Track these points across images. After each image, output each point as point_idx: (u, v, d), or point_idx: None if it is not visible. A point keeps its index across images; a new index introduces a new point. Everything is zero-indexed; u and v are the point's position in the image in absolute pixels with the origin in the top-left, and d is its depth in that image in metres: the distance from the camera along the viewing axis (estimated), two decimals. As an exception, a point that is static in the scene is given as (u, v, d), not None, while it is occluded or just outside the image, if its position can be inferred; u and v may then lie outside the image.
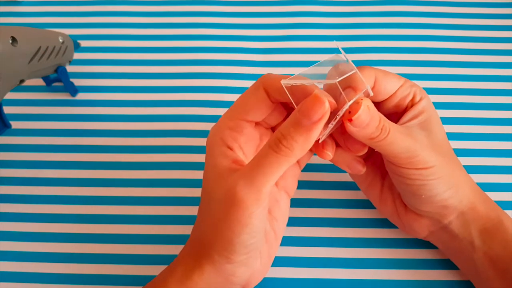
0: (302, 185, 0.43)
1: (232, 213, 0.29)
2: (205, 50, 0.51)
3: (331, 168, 0.43)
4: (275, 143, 0.29)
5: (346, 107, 0.29)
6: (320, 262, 0.39)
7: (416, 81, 0.47)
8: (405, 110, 0.34)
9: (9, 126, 0.43)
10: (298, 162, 0.37)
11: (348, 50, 0.51)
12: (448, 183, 0.33)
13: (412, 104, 0.34)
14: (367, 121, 0.29)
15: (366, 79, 0.31)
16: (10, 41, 0.37)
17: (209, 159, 0.32)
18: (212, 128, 0.34)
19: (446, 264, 0.39)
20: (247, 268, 0.32)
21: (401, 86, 0.34)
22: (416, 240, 0.40)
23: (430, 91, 0.47)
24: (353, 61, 0.50)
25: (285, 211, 0.36)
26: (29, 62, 0.39)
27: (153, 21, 0.54)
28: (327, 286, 0.38)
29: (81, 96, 0.48)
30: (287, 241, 0.40)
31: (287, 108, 0.35)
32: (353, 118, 0.29)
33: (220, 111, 0.47)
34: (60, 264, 0.39)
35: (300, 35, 0.52)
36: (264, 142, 0.34)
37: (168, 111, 0.47)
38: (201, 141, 0.45)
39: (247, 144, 0.34)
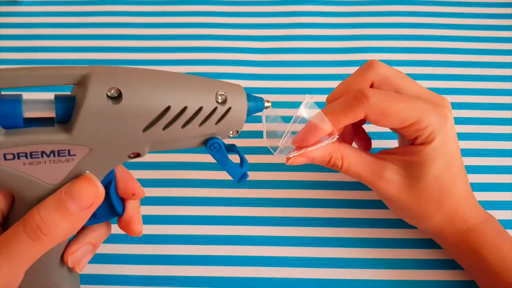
0: (302, 185, 0.43)
1: None
2: (205, 50, 0.51)
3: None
4: (32, 230, 0.24)
5: (317, 146, 0.33)
6: (320, 262, 0.39)
7: (416, 81, 0.48)
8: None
9: (119, 213, 0.30)
10: None
11: (348, 50, 0.51)
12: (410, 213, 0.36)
13: (421, 141, 0.34)
14: (303, 162, 0.34)
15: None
16: (109, 94, 0.24)
17: None
18: None
19: (450, 264, 0.39)
20: None
21: (416, 122, 0.33)
22: (418, 240, 0.40)
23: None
24: (353, 61, 0.50)
25: None
26: (144, 130, 0.26)
27: (153, 21, 0.54)
28: (327, 286, 0.38)
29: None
30: (287, 241, 0.40)
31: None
32: (287, 163, 0.34)
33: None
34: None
35: (300, 35, 0.52)
36: None
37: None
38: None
39: None
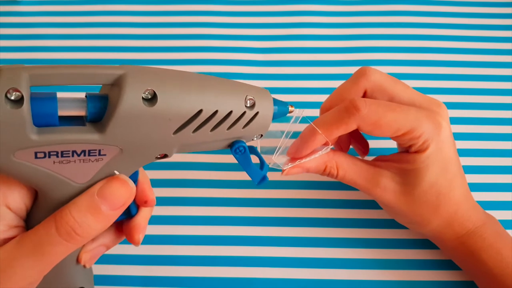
0: (297, 185, 0.43)
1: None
2: (205, 50, 0.51)
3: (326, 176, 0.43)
4: (67, 232, 0.25)
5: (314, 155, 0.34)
6: (316, 263, 0.39)
7: (416, 81, 0.48)
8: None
9: (132, 215, 0.30)
10: None
11: (348, 50, 0.51)
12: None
13: (415, 150, 0.34)
14: (298, 173, 0.35)
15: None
16: (144, 96, 0.24)
17: None
18: None
19: (447, 264, 0.39)
20: None
21: (409, 131, 0.33)
22: (415, 241, 0.40)
23: (430, 91, 0.47)
24: (353, 61, 0.50)
25: None
26: (175, 133, 0.26)
27: (153, 20, 0.54)
28: (324, 287, 0.38)
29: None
30: (282, 242, 0.40)
31: None
32: (283, 174, 0.34)
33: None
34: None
35: (300, 35, 0.52)
36: None
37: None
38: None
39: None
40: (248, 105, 0.27)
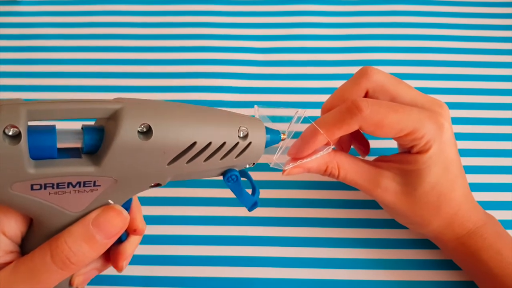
0: (298, 185, 0.43)
1: None
2: (205, 50, 0.51)
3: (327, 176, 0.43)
4: (62, 261, 0.25)
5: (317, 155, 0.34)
6: (317, 263, 0.39)
7: (415, 81, 0.48)
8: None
9: (122, 240, 0.31)
10: None
11: (348, 50, 0.51)
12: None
13: (417, 150, 0.34)
14: (299, 173, 0.35)
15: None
16: (140, 130, 0.24)
17: None
18: None
19: (447, 264, 0.39)
20: None
21: (411, 132, 0.33)
22: (416, 241, 0.40)
23: (430, 90, 0.47)
24: (353, 61, 0.50)
25: None
26: (169, 164, 0.26)
27: (153, 20, 0.54)
28: (324, 287, 0.38)
29: (80, 95, 0.48)
30: (287, 242, 0.40)
31: None
32: (284, 174, 0.34)
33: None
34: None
35: (300, 35, 0.52)
36: None
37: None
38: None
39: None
40: (241, 135, 0.28)
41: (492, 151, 0.44)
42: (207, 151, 0.27)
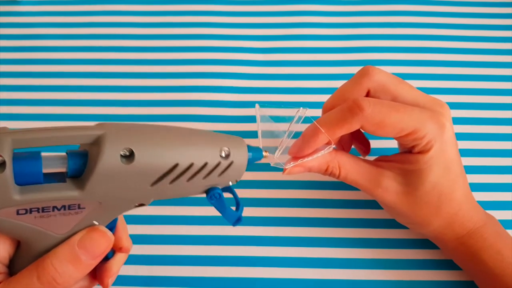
0: (298, 185, 0.43)
1: None
2: (205, 50, 0.51)
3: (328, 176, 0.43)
4: (48, 282, 0.26)
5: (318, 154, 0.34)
6: (317, 263, 0.39)
7: (415, 81, 0.48)
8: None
9: (108, 257, 0.31)
10: None
11: (348, 50, 0.51)
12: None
13: (419, 150, 0.34)
14: (300, 172, 0.34)
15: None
16: (122, 154, 0.25)
17: None
18: None
19: (447, 264, 0.39)
20: None
21: (413, 132, 0.33)
22: (416, 241, 0.40)
23: (430, 90, 0.47)
24: (353, 61, 0.50)
25: None
26: (152, 185, 0.27)
27: (152, 20, 0.54)
28: (324, 287, 0.38)
29: (80, 95, 0.48)
30: (287, 242, 0.40)
31: None
32: (284, 173, 0.34)
33: (219, 111, 0.47)
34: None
35: (300, 35, 0.52)
36: None
37: (167, 111, 0.47)
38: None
39: None
40: (223, 155, 0.28)
41: (492, 151, 0.44)
42: (189, 172, 0.27)
